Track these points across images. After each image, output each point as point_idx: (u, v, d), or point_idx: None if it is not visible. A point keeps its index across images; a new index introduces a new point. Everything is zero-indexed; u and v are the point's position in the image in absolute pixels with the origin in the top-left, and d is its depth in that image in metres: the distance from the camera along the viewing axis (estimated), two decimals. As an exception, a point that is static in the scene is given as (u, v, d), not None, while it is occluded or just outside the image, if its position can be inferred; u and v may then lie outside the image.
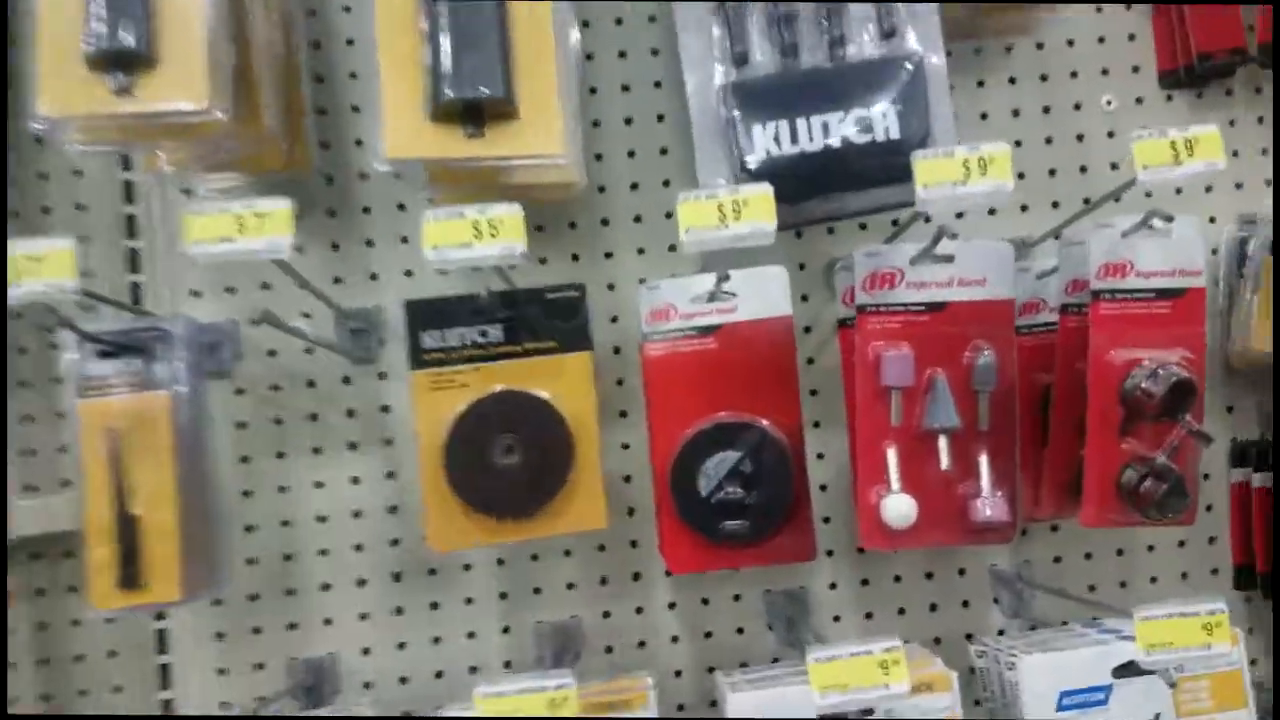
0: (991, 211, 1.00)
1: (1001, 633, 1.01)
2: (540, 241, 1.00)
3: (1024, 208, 1.04)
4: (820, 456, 0.99)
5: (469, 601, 1.00)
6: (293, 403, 0.99)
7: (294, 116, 0.90)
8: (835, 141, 0.81)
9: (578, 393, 0.81)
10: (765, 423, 0.81)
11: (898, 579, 1.01)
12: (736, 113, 0.81)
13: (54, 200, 0.99)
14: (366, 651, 0.99)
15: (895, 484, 0.80)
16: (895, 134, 0.81)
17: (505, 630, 1.00)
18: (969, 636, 1.01)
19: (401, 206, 0.99)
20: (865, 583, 1.02)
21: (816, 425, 1.00)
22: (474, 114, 0.76)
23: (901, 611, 1.02)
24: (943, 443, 0.81)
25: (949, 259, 0.82)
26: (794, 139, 0.81)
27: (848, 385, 0.84)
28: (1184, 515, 0.79)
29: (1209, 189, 1.04)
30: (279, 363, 0.99)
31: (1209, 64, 1.03)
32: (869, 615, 1.02)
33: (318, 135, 0.97)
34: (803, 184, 0.81)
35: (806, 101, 0.82)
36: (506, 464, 0.79)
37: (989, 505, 0.81)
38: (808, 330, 1.01)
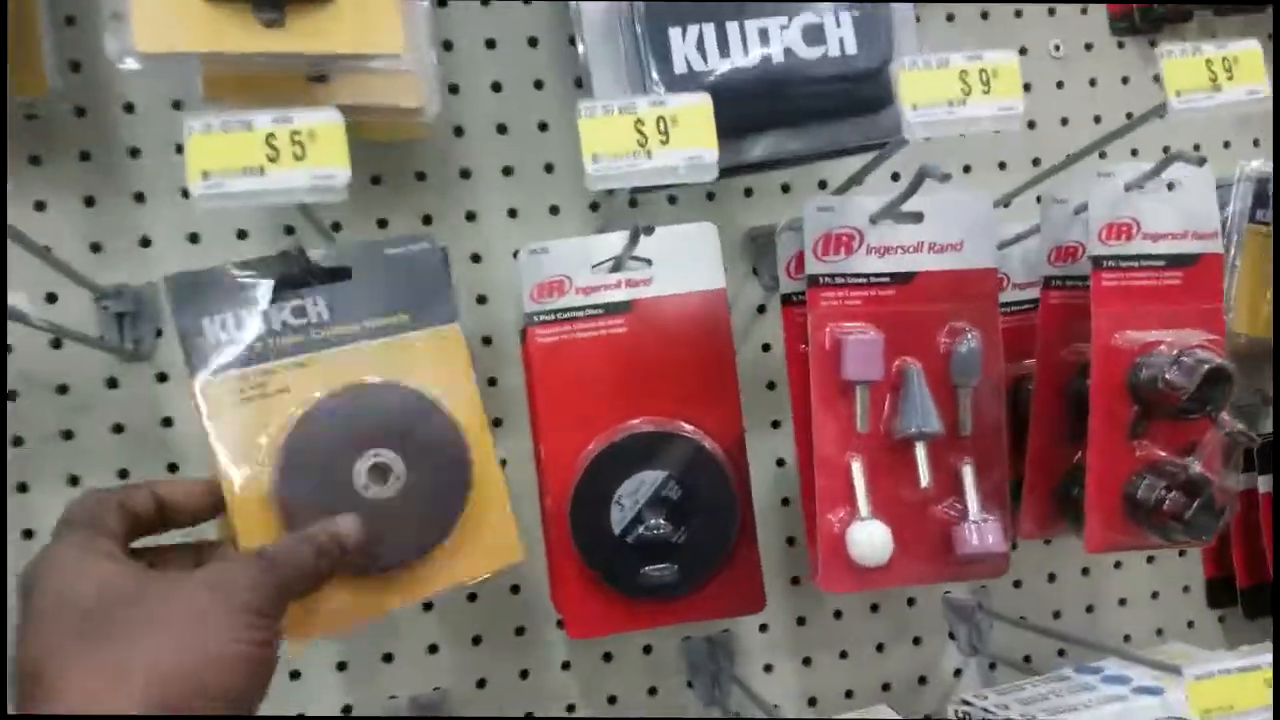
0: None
1: (959, 673, 0.82)
2: (376, 197, 0.74)
3: (966, 168, 0.85)
4: (744, 469, 0.79)
5: (295, 676, 0.73)
6: (37, 416, 0.70)
7: (17, 15, 0.61)
8: (776, 54, 0.59)
9: (454, 382, 0.55)
10: (696, 432, 0.58)
11: (838, 614, 0.81)
12: (644, 13, 0.58)
13: None
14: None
15: (865, 508, 0.59)
16: (851, 48, 0.60)
17: (346, 710, 0.74)
18: (922, 680, 0.82)
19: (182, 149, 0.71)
20: (801, 621, 0.80)
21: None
22: (271, -9, 0.50)
23: (844, 655, 0.81)
24: (921, 452, 0.60)
25: (917, 217, 0.62)
26: (723, 50, 0.58)
27: (795, 380, 0.62)
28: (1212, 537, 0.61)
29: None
30: (15, 361, 0.69)
31: (1163, 9, 0.88)
32: (807, 661, 0.80)
33: (65, 52, 0.68)
34: (734, 114, 0.59)
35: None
36: (378, 495, 0.52)
37: (978, 531, 0.60)
38: (722, 313, 0.80)
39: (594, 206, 0.77)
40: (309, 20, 0.52)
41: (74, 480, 0.70)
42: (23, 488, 0.70)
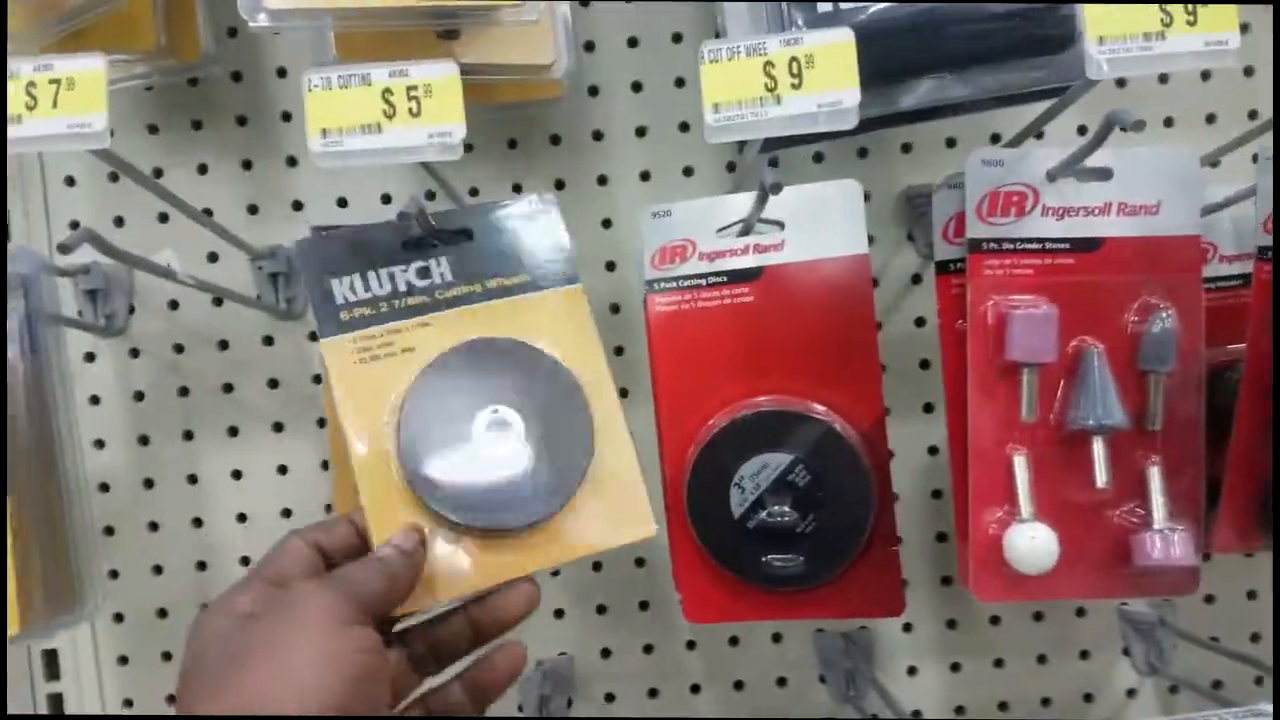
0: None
1: (1132, 694, 0.70)
2: (512, 161, 0.69)
3: (1168, 121, 0.71)
4: (890, 455, 0.69)
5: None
6: (201, 369, 0.70)
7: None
8: (939, -13, 0.49)
9: (577, 342, 0.49)
10: (829, 413, 0.50)
11: (995, 620, 0.70)
12: (787, -53, 0.50)
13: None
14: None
15: (1026, 509, 0.49)
16: (1028, -21, 0.49)
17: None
18: (1088, 698, 0.71)
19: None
20: (952, 624, 0.70)
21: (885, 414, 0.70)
22: (389, -62, 0.45)
23: (999, 663, 0.70)
24: (1098, 448, 0.49)
25: (1106, 174, 0.50)
26: (877, -17, 0.49)
27: (948, 359, 0.52)
28: None
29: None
30: (182, 317, 0.70)
31: None
32: (956, 667, 0.70)
33: (224, 18, 0.67)
34: (884, 57, 0.49)
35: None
36: (496, 454, 0.47)
37: (1163, 541, 0.49)
38: (873, 284, 0.70)
39: (731, 167, 0.69)
40: (432, -31, 0.47)
41: (233, 430, 0.70)
42: (188, 435, 0.70)
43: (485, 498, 0.47)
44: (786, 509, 0.49)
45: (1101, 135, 0.45)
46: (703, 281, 0.51)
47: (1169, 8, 0.42)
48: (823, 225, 0.51)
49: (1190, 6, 0.42)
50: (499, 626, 0.48)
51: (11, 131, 0.44)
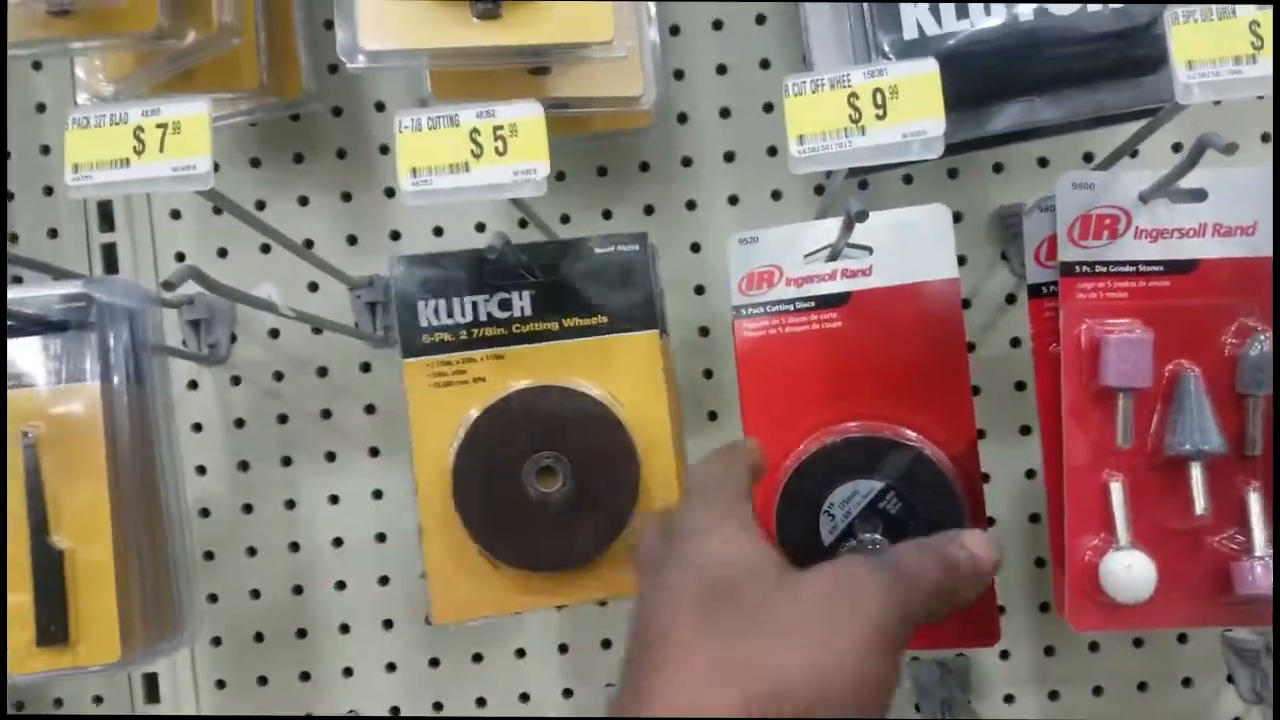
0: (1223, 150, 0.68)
1: (1240, 725, 0.70)
2: (602, 189, 0.73)
3: (1264, 137, 0.71)
4: (986, 479, 0.70)
5: (521, 654, 0.75)
6: (300, 396, 0.75)
7: (276, 23, 0.66)
8: (1025, 12, 0.51)
9: (643, 389, 0.53)
10: (919, 439, 0.52)
11: (1094, 647, 0.71)
12: (874, -23, 0.53)
13: None
14: (395, 711, 0.75)
15: (1124, 536, 0.50)
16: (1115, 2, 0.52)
17: (566, 693, 0.75)
18: (1193, 728, 0.71)
19: (427, 146, 0.73)
20: (1050, 651, 0.71)
21: (980, 436, 0.71)
22: (486, -16, 0.50)
23: (1098, 691, 0.71)
24: (1196, 474, 0.50)
25: (1200, 195, 0.52)
26: (962, 10, 0.52)
27: (1042, 383, 0.54)
28: None
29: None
30: (282, 345, 0.75)
31: None
32: (1054, 695, 0.71)
33: (324, 55, 0.72)
34: (973, 81, 0.52)
35: (981, -45, 0.52)
36: (544, 495, 0.52)
37: (1266, 570, 0.50)
38: (966, 305, 0.72)
39: (819, 190, 0.71)
40: (523, 13, 0.52)
41: (331, 456, 0.75)
42: (286, 461, 0.76)
43: (526, 540, 0.53)
44: (878, 536, 0.52)
45: (1194, 158, 0.47)
46: (790, 307, 0.54)
47: (1260, 30, 0.43)
48: (912, 249, 0.53)
49: (1284, 29, 0.43)
50: None
51: (120, 174, 0.48)
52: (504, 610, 0.55)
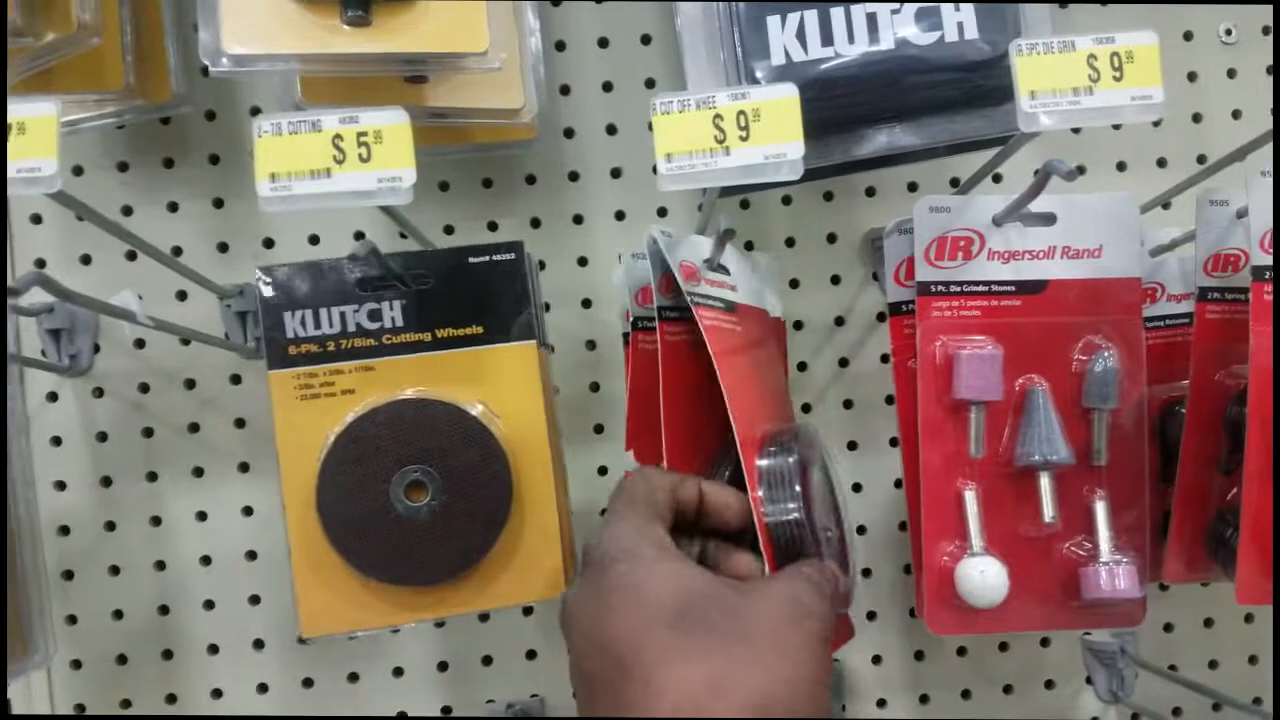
0: (1080, 170, 0.72)
1: (1095, 723, 0.74)
2: (488, 201, 0.73)
3: (1120, 165, 0.76)
4: (857, 489, 0.72)
5: (398, 673, 0.73)
6: (166, 409, 0.72)
7: (144, 24, 0.63)
8: (887, 43, 0.53)
9: (520, 400, 0.53)
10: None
11: (961, 651, 0.73)
12: (740, 3, 0.54)
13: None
14: (266, 732, 0.73)
15: (977, 543, 0.53)
16: (972, 33, 0.54)
17: (445, 711, 0.74)
18: (1052, 728, 0.74)
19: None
20: (920, 656, 0.73)
21: (852, 448, 0.73)
22: (356, -10, 0.49)
23: (966, 694, 0.73)
24: (1045, 483, 0.53)
25: (1049, 219, 0.54)
26: (827, 38, 0.53)
27: (902, 396, 0.56)
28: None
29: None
30: (148, 356, 0.72)
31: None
32: (924, 699, 0.74)
33: (195, 57, 0.69)
34: (839, 107, 0.54)
35: (846, -18, 0.54)
36: (413, 509, 0.51)
37: (1110, 574, 0.53)
38: (839, 322, 0.74)
39: (702, 208, 0.73)
40: (395, 20, 0.51)
41: (199, 471, 0.72)
42: (152, 476, 0.72)
43: (394, 556, 0.51)
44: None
45: (1040, 183, 0.50)
46: (718, 303, 0.53)
47: (1097, 63, 0.46)
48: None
49: (1116, 62, 0.46)
50: None
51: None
52: (373, 625, 0.53)
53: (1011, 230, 0.54)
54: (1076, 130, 0.74)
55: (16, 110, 0.44)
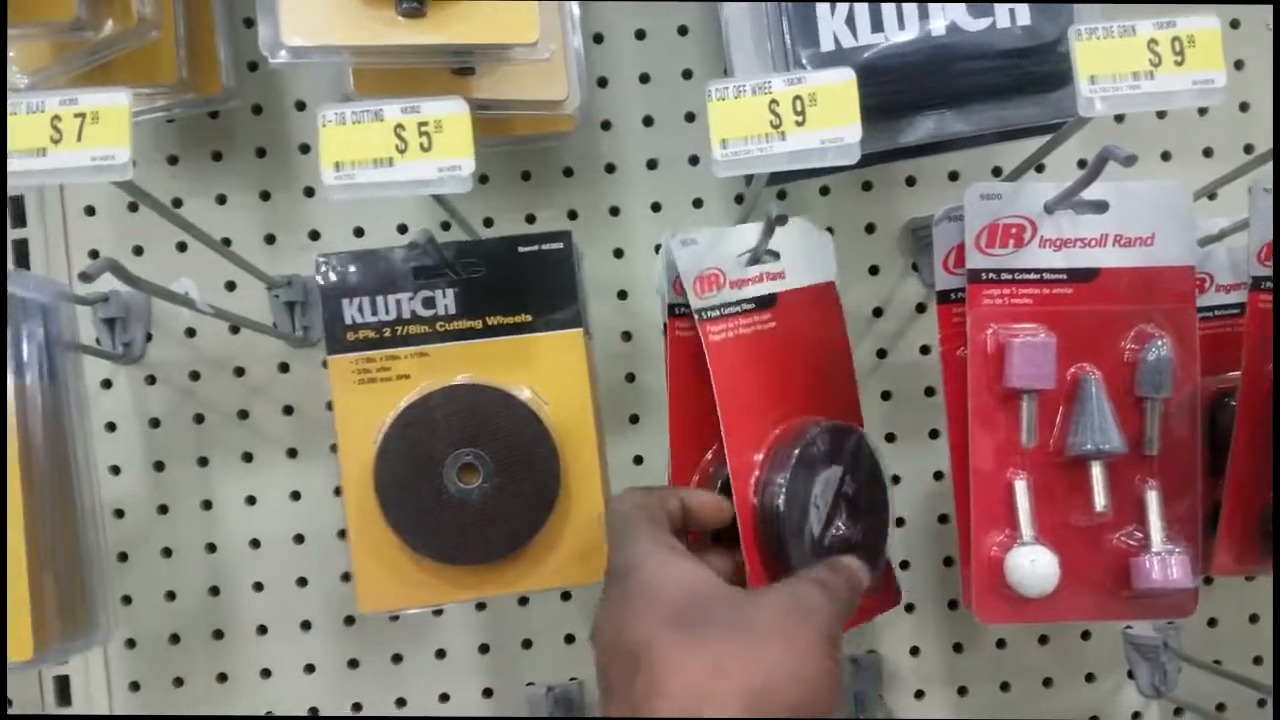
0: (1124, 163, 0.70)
1: (1137, 717, 0.72)
2: (526, 193, 0.72)
3: (1165, 155, 0.74)
4: (895, 481, 0.71)
5: (441, 655, 0.73)
6: (217, 396, 0.72)
7: (196, 18, 0.63)
8: (938, 28, 0.52)
9: (566, 387, 0.52)
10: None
11: (1001, 643, 0.72)
12: (791, -12, 0.52)
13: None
14: (314, 712, 0.72)
15: (1028, 532, 0.51)
16: (1024, 19, 0.52)
17: (486, 693, 0.73)
18: (1093, 720, 0.72)
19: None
20: (958, 648, 0.72)
21: (890, 439, 0.72)
22: (410, -19, 0.48)
23: (1005, 687, 0.72)
24: (1097, 473, 0.51)
25: (1102, 206, 0.53)
26: (877, 24, 0.52)
27: (950, 386, 0.55)
28: None
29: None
30: (199, 345, 0.72)
31: None
32: (963, 691, 0.72)
33: (244, 52, 0.70)
34: (887, 93, 0.52)
35: (896, -32, 0.52)
36: (465, 491, 0.51)
37: (1162, 564, 0.51)
38: (878, 314, 0.72)
39: (739, 199, 0.71)
40: (448, 12, 0.50)
41: (248, 456, 0.72)
42: (203, 461, 0.73)
43: (447, 536, 0.52)
44: (847, 520, 0.51)
45: (1096, 169, 0.48)
46: (737, 309, 0.52)
47: (1158, 48, 0.44)
48: (807, 255, 0.53)
49: (1178, 47, 0.45)
50: None
51: (36, 164, 0.46)
52: (426, 603, 0.54)
53: (1063, 218, 0.52)
54: (1120, 118, 0.73)
55: (89, 99, 0.44)
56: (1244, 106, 0.73)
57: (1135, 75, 0.44)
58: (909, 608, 0.71)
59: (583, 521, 0.52)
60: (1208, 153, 0.73)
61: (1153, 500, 0.52)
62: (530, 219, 0.72)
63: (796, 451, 0.51)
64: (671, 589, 0.42)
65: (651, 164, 0.72)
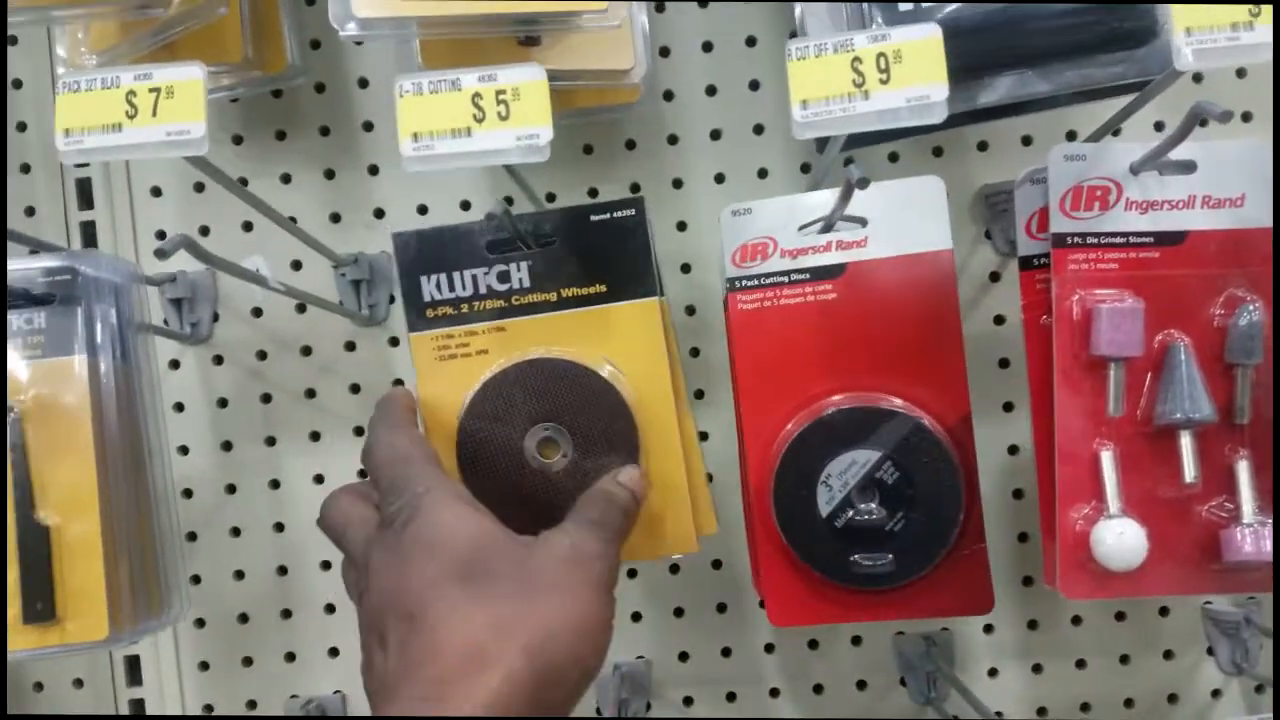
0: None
1: (1217, 694, 0.70)
2: (588, 167, 0.72)
3: (1245, 116, 0.71)
4: (971, 453, 0.70)
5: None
6: (284, 375, 0.73)
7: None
8: (1019, -14, 0.50)
9: (644, 356, 0.52)
10: (914, 409, 0.51)
11: (1077, 620, 0.70)
12: (867, -51, 0.51)
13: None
14: (380, 688, 0.74)
15: (1114, 505, 0.50)
16: (1109, -30, 0.51)
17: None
18: (1172, 699, 0.71)
19: (412, 121, 0.71)
20: (1033, 625, 0.71)
21: (964, 410, 0.70)
22: (478, -50, 0.48)
23: (1081, 664, 0.70)
24: (1186, 443, 0.50)
25: (1189, 167, 0.51)
26: (957, -17, 0.51)
27: (1033, 355, 0.53)
28: None
29: None
30: (265, 324, 0.73)
31: None
32: (1037, 668, 0.71)
33: (307, 30, 0.70)
34: (965, 53, 0.50)
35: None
36: (546, 465, 0.51)
37: (1253, 536, 0.49)
38: (949, 283, 0.71)
39: (805, 168, 0.70)
40: (516, -21, 0.50)
41: (315, 435, 0.73)
42: (270, 441, 0.73)
43: (528, 509, 0.51)
44: (875, 506, 0.51)
45: (1188, 127, 0.46)
46: (785, 279, 0.52)
47: (1257, -1, 0.43)
48: (905, 221, 0.52)
49: (1278, -4, 0.43)
50: None
51: (112, 139, 0.46)
52: None
53: (1149, 179, 0.51)
54: (1199, 79, 0.70)
55: (164, 74, 0.44)
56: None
57: (1234, 27, 0.42)
58: (983, 583, 0.70)
59: (665, 493, 0.51)
60: (1246, 117, 0.71)
61: (1243, 471, 0.51)
62: (593, 193, 0.71)
63: (804, 429, 0.51)
64: (451, 542, 0.41)
65: (715, 134, 0.71)
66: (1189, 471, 0.50)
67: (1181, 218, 0.51)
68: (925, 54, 0.40)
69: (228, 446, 0.74)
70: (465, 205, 0.72)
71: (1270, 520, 0.50)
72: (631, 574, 0.72)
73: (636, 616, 0.73)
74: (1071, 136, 0.69)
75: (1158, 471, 0.51)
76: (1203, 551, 0.51)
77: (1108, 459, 0.50)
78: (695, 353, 0.71)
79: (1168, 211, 0.51)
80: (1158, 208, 0.51)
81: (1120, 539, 0.49)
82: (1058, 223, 0.51)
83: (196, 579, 0.74)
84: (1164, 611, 0.70)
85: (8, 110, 0.73)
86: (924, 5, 0.50)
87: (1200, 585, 0.52)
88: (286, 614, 0.74)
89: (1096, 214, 0.51)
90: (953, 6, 0.51)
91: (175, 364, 0.74)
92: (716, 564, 0.72)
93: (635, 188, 0.72)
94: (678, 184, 0.72)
